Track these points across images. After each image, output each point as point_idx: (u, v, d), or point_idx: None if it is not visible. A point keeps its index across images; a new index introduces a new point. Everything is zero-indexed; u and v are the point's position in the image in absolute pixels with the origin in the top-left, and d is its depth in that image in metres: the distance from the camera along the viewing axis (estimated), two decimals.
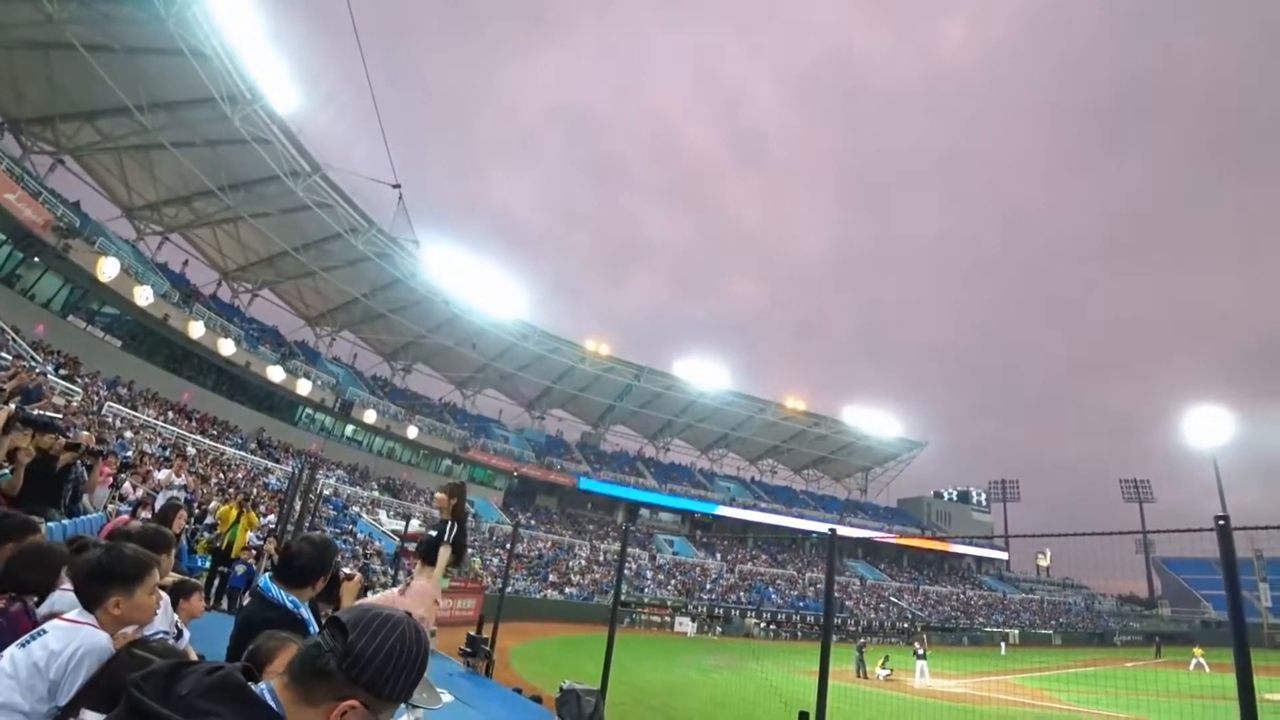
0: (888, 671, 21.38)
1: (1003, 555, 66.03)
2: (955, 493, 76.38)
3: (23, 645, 1.92)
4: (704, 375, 50.57)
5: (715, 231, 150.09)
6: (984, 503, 75.89)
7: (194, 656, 3.55)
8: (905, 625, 44.83)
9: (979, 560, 65.97)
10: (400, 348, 45.66)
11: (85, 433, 7.35)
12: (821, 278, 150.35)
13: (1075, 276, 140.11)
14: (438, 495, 5.29)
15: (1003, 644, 40.26)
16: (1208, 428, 60.06)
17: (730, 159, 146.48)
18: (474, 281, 39.17)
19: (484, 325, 41.51)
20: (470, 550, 33.73)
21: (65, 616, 2.09)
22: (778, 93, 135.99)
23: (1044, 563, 69.96)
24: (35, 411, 4.43)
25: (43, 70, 23.74)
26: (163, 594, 3.02)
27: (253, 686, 1.03)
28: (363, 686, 1.03)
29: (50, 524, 4.39)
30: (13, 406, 3.62)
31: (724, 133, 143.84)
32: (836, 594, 6.34)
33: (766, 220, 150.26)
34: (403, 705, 1.16)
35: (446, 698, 4.40)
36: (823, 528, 52.73)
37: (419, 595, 4.75)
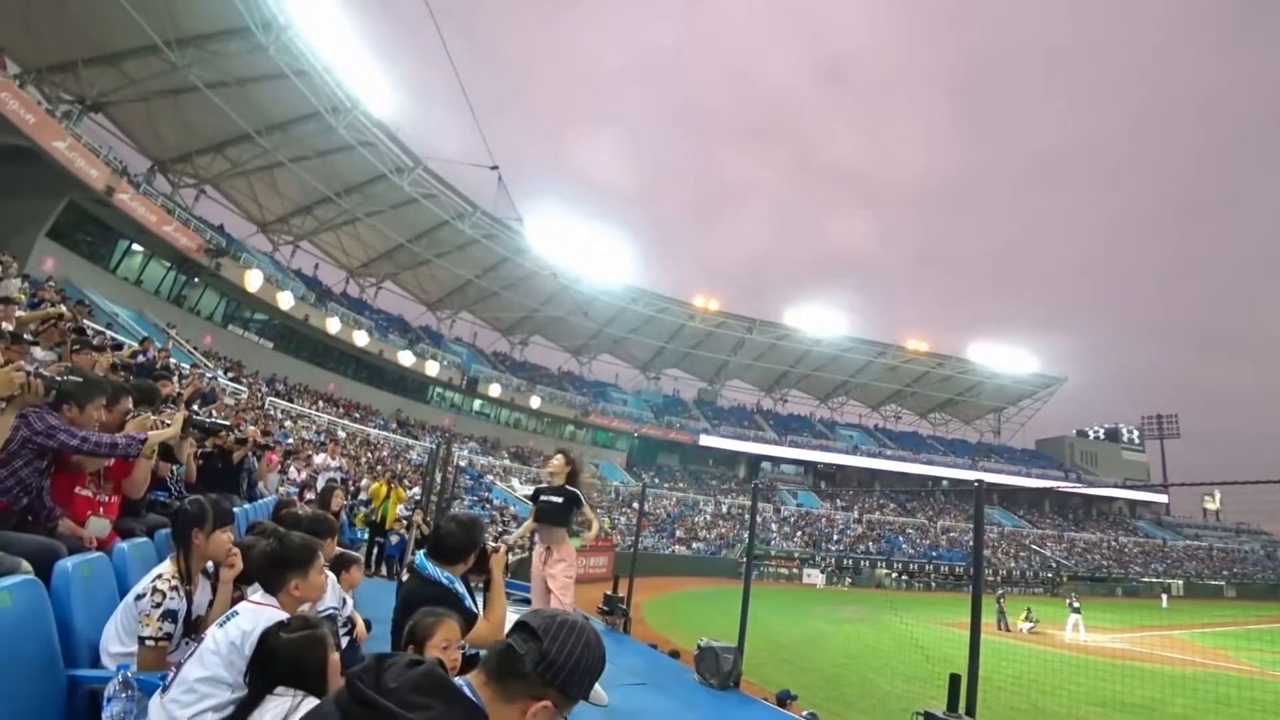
0: (1032, 624, 20.15)
1: (1161, 498, 59.94)
2: (1102, 430, 69.97)
3: (221, 625, 2.22)
4: (817, 322, 49.08)
5: (812, 167, 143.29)
6: (1137, 440, 68.94)
7: (359, 621, 3.95)
8: (1049, 575, 42.21)
9: (1132, 504, 60.21)
10: (516, 322, 47.59)
11: (252, 428, 8.28)
12: (934, 204, 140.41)
13: (1238, 174, 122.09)
14: (553, 461, 5.53)
15: (1164, 596, 36.97)
16: None
17: (817, 88, 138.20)
18: (577, 251, 39.94)
19: (592, 293, 42.43)
20: (600, 509, 35.22)
21: (251, 599, 2.39)
22: (859, 7, 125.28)
23: (1212, 506, 62.17)
24: (209, 420, 5.01)
25: (175, 113, 26.36)
26: (330, 573, 3.37)
27: (455, 681, 1.11)
28: (555, 688, 1.12)
29: (235, 509, 4.99)
30: (187, 411, 4.12)
31: (807, 60, 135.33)
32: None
33: (866, 148, 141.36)
34: None
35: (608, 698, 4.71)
36: (954, 473, 50.82)
37: (564, 587, 5.19)
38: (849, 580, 36.98)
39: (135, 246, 25.61)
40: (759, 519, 40.91)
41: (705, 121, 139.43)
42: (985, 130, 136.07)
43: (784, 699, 7.10)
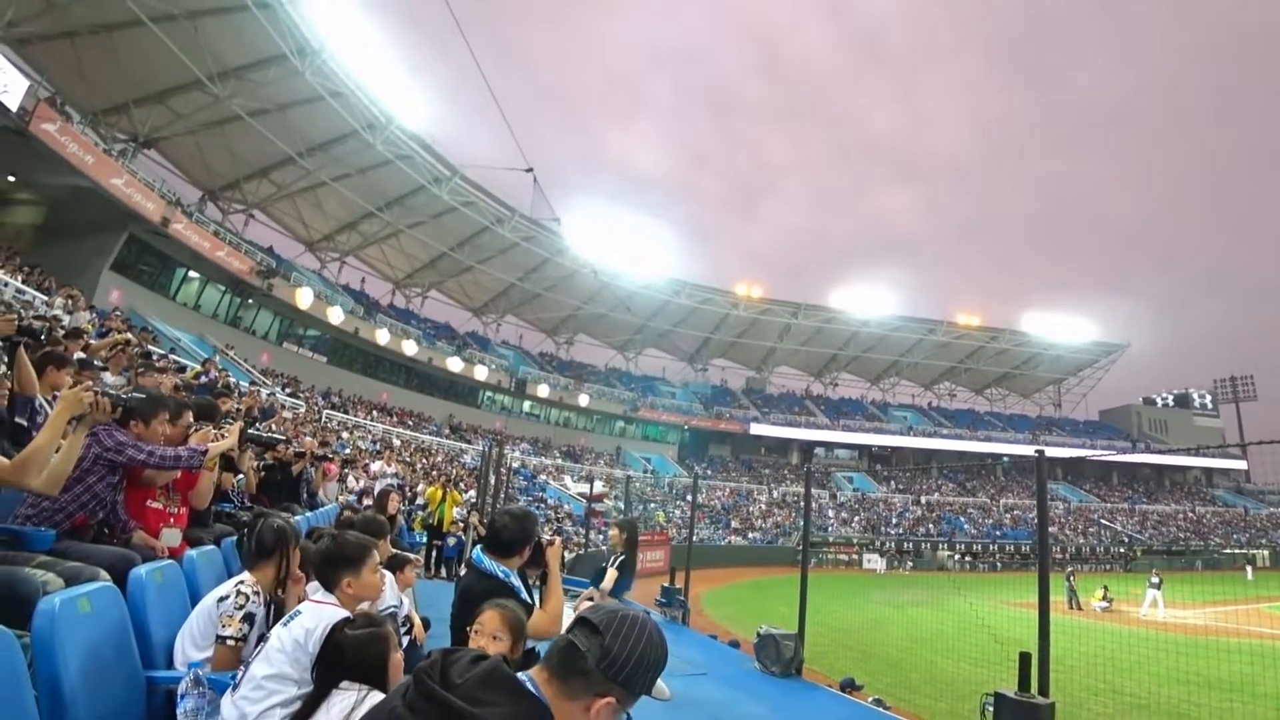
0: (1107, 603, 19.32)
1: (1239, 464, 56.12)
2: (1171, 397, 66.63)
3: (285, 624, 2.30)
4: (864, 302, 48.13)
5: (846, 144, 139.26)
6: (1209, 405, 65.37)
7: (416, 618, 4.04)
8: (1122, 550, 40.49)
9: (1208, 471, 57.15)
10: (560, 322, 47.98)
11: (309, 439, 8.56)
12: (977, 170, 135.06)
13: None
14: (611, 532, 5.99)
15: (1248, 568, 35.08)
16: None
17: (846, 61, 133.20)
18: (616, 247, 40.01)
19: (634, 288, 42.43)
20: (654, 504, 35.32)
21: (313, 598, 2.46)
22: None
23: None
24: (265, 434, 5.18)
25: (221, 143, 27.43)
26: (387, 573, 3.45)
27: (518, 678, 1.11)
28: (619, 685, 1.10)
29: (296, 518, 5.16)
30: (243, 422, 4.28)
31: (833, 34, 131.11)
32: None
33: (901, 119, 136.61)
34: None
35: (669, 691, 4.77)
36: (1014, 449, 49.20)
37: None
38: (910, 564, 36.25)
39: (192, 273, 26.79)
40: (815, 505, 40.39)
41: (736, 106, 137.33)
42: (1024, 89, 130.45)
43: (848, 686, 7.00)
